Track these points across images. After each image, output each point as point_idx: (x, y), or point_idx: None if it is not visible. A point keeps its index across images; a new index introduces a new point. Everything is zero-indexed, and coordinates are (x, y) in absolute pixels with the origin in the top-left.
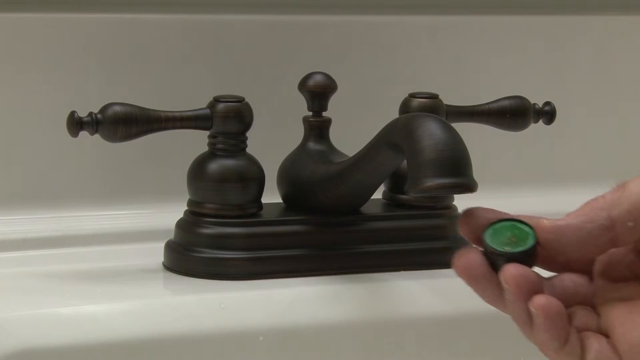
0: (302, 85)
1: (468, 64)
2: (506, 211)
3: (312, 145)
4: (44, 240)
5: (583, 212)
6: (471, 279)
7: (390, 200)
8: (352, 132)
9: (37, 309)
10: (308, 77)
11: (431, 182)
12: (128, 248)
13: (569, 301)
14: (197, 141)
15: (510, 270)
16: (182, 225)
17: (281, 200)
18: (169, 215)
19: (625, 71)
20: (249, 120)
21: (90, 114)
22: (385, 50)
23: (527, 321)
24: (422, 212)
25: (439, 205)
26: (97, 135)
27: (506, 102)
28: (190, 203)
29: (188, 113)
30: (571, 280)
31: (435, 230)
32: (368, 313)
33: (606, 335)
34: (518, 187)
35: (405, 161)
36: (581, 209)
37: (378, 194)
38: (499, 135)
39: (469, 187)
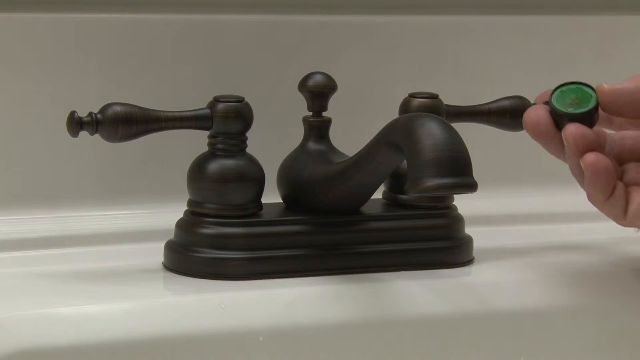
0: (302, 85)
1: (468, 64)
2: (506, 212)
3: (312, 145)
4: (44, 240)
5: (636, 79)
6: (537, 134)
7: (390, 200)
8: (352, 132)
9: (37, 309)
10: (308, 77)
11: (431, 182)
12: (128, 248)
13: (626, 157)
14: (197, 141)
15: (571, 129)
16: (182, 225)
17: (281, 200)
18: (169, 215)
19: (625, 71)
20: (249, 120)
21: (90, 114)
22: (385, 50)
23: (580, 174)
24: (422, 212)
25: (439, 205)
26: (97, 135)
27: (506, 102)
28: (190, 203)
29: (188, 113)
30: (631, 137)
31: (435, 230)
32: (368, 313)
33: None
34: (518, 187)
35: (405, 161)
36: (637, 76)
37: (378, 194)
38: (499, 135)
39: (469, 187)
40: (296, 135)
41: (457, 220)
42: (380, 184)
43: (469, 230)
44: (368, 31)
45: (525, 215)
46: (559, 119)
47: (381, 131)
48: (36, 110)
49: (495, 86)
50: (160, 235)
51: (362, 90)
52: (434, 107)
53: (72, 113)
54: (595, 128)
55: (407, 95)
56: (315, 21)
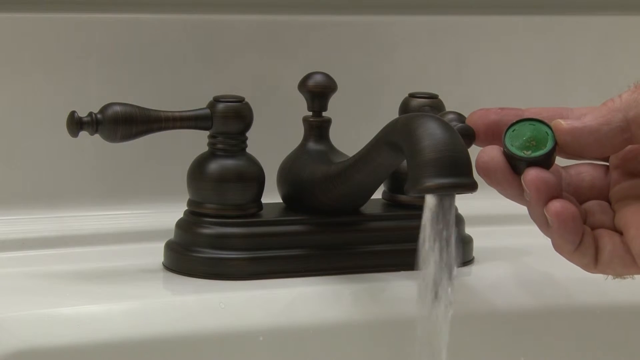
0: (302, 85)
1: (468, 64)
2: (506, 212)
3: (312, 145)
4: (44, 240)
5: (600, 113)
6: (493, 182)
7: (390, 200)
8: (352, 132)
9: (37, 309)
10: (308, 77)
11: (431, 182)
12: (128, 248)
13: (585, 195)
14: (197, 141)
15: (531, 176)
16: (182, 225)
17: (281, 200)
18: (169, 215)
19: (625, 71)
20: (249, 120)
21: (90, 114)
22: (385, 50)
23: (544, 223)
24: (422, 212)
25: None
26: (97, 135)
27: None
28: (190, 203)
29: (188, 113)
30: (588, 172)
31: None
32: (368, 313)
33: (620, 233)
34: None
35: (405, 161)
36: (598, 110)
37: (378, 194)
38: None
39: (469, 187)
40: (296, 135)
41: (457, 220)
42: (380, 184)
43: (469, 230)
44: (368, 31)
45: (525, 215)
46: (515, 163)
47: (381, 131)
48: (36, 110)
49: (495, 86)
50: (160, 235)
51: (362, 90)
52: (433, 107)
53: (72, 113)
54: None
55: (407, 95)
56: (315, 21)
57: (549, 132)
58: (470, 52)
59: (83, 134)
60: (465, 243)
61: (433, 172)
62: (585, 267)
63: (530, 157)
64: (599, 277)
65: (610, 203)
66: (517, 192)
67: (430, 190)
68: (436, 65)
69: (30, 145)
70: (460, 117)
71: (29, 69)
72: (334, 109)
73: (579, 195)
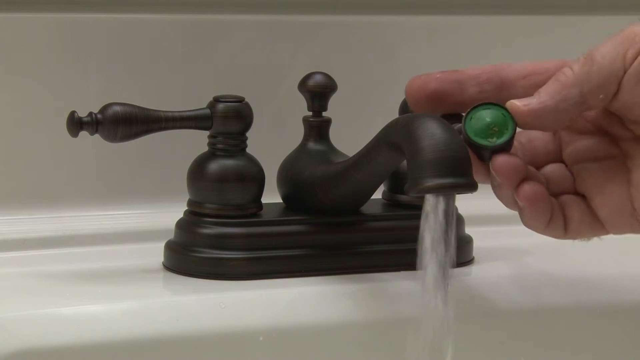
0: (302, 85)
1: (468, 64)
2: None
3: (312, 145)
4: (44, 240)
5: (555, 89)
6: None
7: (390, 200)
8: (352, 132)
9: (37, 309)
10: (308, 77)
11: (431, 182)
12: (128, 248)
13: (541, 160)
14: (197, 141)
15: (500, 163)
16: (182, 225)
17: (281, 200)
18: (169, 215)
19: None
20: (249, 120)
21: (90, 114)
22: (385, 50)
23: (513, 203)
24: (422, 212)
25: None
26: (97, 135)
27: None
28: (190, 203)
29: (188, 113)
30: (539, 138)
31: None
32: (368, 313)
33: (583, 196)
34: None
35: (405, 161)
36: (551, 85)
37: (378, 194)
38: None
39: (469, 187)
40: (296, 135)
41: (456, 221)
42: (380, 184)
43: (469, 230)
44: (368, 31)
45: None
46: (479, 151)
47: (381, 131)
48: (36, 111)
49: None
50: (160, 235)
51: (362, 90)
52: None
53: (72, 113)
54: None
55: None
56: (315, 21)
57: (507, 114)
58: (470, 52)
59: (83, 134)
60: (465, 243)
61: (433, 172)
62: (556, 237)
63: (495, 144)
64: (599, 277)
65: (566, 164)
66: (483, 178)
67: (430, 190)
68: (436, 65)
69: (30, 145)
70: (460, 117)
71: (29, 69)
72: (334, 109)
73: (536, 162)
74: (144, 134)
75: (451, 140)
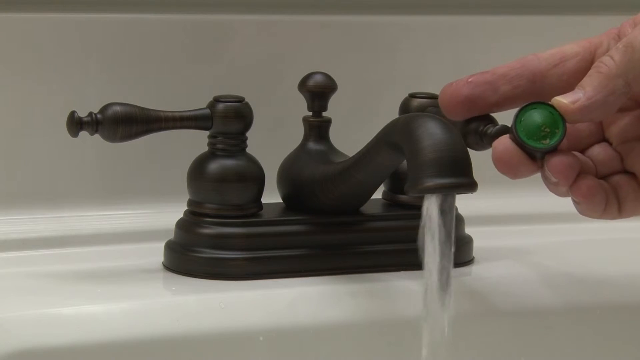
0: (302, 85)
1: (468, 64)
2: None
3: (312, 145)
4: (44, 240)
5: (600, 82)
6: (512, 171)
7: (390, 200)
8: (352, 132)
9: (37, 309)
10: (308, 77)
11: (431, 182)
12: (128, 248)
13: (586, 142)
14: (197, 141)
15: (556, 164)
16: (182, 225)
17: (281, 200)
18: (169, 215)
19: None
20: (249, 120)
21: (90, 114)
22: (385, 50)
23: (568, 194)
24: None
25: None
26: (97, 135)
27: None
28: (190, 203)
29: (188, 113)
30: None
31: None
32: (368, 313)
33: (632, 173)
34: (518, 187)
35: (405, 161)
36: (595, 77)
37: (378, 194)
38: None
39: (469, 187)
40: (296, 135)
41: (456, 221)
42: (380, 184)
43: (469, 230)
44: (368, 31)
45: (525, 215)
46: (533, 153)
47: (381, 131)
48: (36, 110)
49: None
50: (160, 235)
51: (362, 90)
52: (437, 107)
53: (72, 113)
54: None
55: (407, 95)
56: (315, 21)
57: (555, 113)
58: (470, 52)
59: (83, 134)
60: (465, 243)
61: (433, 172)
62: (611, 219)
63: (549, 146)
64: (599, 277)
65: (610, 142)
66: (530, 174)
67: (430, 190)
68: (436, 65)
69: (30, 145)
70: (491, 119)
71: (29, 69)
72: (334, 109)
73: (580, 145)
74: (144, 134)
75: (451, 140)
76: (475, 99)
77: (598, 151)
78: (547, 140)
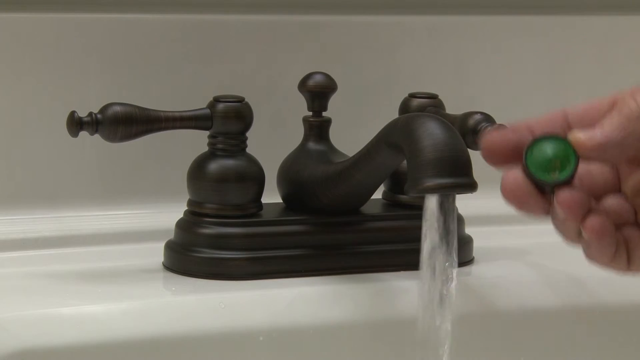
0: (302, 85)
1: (468, 64)
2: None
3: (312, 145)
4: (44, 240)
5: (620, 123)
6: (520, 203)
7: (390, 200)
8: (352, 132)
9: (37, 309)
10: (308, 77)
11: (431, 182)
12: (128, 248)
13: (600, 191)
14: (197, 141)
15: (565, 198)
16: (182, 225)
17: (281, 200)
18: (169, 215)
19: (625, 71)
20: (249, 120)
21: (90, 114)
22: (385, 50)
23: (577, 236)
24: (422, 212)
25: None
26: (97, 135)
27: (471, 121)
28: (190, 203)
29: (188, 113)
30: (597, 170)
31: None
32: (368, 313)
33: None
34: None
35: (405, 161)
36: (615, 117)
37: (378, 194)
38: None
39: (469, 187)
40: (296, 135)
41: (457, 220)
42: (380, 184)
43: (469, 230)
44: (368, 31)
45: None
46: (542, 186)
47: (381, 131)
48: (36, 110)
49: (495, 86)
50: (160, 235)
51: (362, 90)
52: (437, 106)
53: (72, 113)
54: None
55: (407, 95)
56: (315, 21)
57: (568, 147)
58: (470, 52)
59: (83, 134)
60: (465, 243)
61: (433, 172)
62: (619, 271)
63: (558, 179)
64: (598, 278)
65: (625, 195)
66: (543, 211)
67: (431, 191)
68: (436, 65)
69: (30, 145)
70: (489, 118)
71: (29, 69)
72: (334, 109)
73: (594, 194)
74: (144, 134)
75: (451, 140)
76: (518, 144)
77: (612, 201)
78: (557, 174)
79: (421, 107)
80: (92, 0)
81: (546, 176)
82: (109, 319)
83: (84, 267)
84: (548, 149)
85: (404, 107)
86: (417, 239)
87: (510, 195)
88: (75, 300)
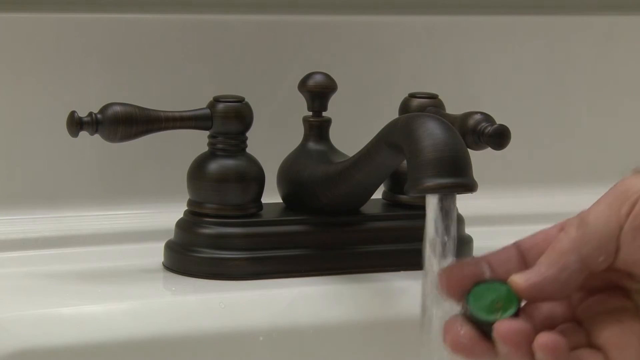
0: (302, 85)
1: (468, 64)
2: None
3: (312, 145)
4: (44, 240)
5: (553, 259)
6: (467, 353)
7: (390, 200)
8: (352, 132)
9: (37, 309)
10: (308, 77)
11: (431, 182)
12: (128, 248)
13: (552, 324)
14: (197, 141)
15: (504, 329)
16: (182, 225)
17: (281, 200)
18: (169, 215)
19: (625, 71)
20: (249, 120)
21: (90, 114)
22: (385, 50)
23: None
24: (422, 212)
25: None
26: (97, 135)
27: (471, 122)
28: (190, 203)
29: (188, 113)
30: (547, 306)
31: None
32: (368, 313)
33: (598, 348)
34: (518, 187)
35: (405, 161)
36: (549, 254)
37: (378, 194)
38: None
39: (469, 187)
40: (296, 135)
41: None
42: (380, 184)
43: (469, 230)
44: (368, 31)
45: (525, 215)
46: (485, 328)
47: (381, 131)
48: (36, 110)
49: (495, 86)
50: (160, 235)
51: (362, 90)
52: (437, 106)
53: (72, 113)
54: None
55: (407, 95)
56: (315, 21)
57: (510, 290)
58: (470, 52)
59: (83, 134)
60: (465, 243)
61: (433, 172)
62: None
63: (499, 320)
64: None
65: (579, 322)
66: (490, 354)
67: (431, 191)
68: (436, 65)
69: (30, 145)
70: (489, 118)
71: (29, 69)
72: (334, 109)
73: (546, 326)
74: (144, 134)
75: (451, 140)
76: (479, 275)
77: (564, 326)
78: (499, 314)
79: (421, 107)
80: (92, 0)
81: (489, 317)
82: (109, 319)
83: (84, 267)
84: (489, 292)
85: (404, 107)
86: (417, 239)
87: (454, 344)
88: (75, 300)
